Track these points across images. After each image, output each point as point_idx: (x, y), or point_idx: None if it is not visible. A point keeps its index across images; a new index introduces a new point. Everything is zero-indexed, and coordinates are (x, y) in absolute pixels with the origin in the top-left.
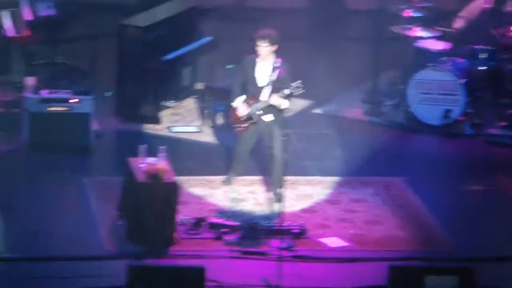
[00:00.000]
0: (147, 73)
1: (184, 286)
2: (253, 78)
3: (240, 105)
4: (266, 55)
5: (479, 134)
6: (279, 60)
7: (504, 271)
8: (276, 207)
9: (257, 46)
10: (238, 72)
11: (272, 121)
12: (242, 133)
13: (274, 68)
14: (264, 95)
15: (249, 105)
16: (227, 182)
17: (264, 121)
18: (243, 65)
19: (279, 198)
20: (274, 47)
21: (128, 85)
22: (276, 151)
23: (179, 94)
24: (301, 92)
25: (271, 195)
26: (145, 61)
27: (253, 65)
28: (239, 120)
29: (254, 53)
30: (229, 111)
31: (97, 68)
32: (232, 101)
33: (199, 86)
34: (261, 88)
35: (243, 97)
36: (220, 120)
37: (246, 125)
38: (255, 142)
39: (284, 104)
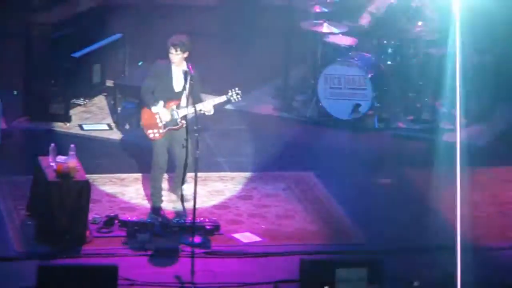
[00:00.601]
0: (56, 70)
1: (97, 285)
2: (169, 84)
3: (161, 111)
4: (179, 62)
5: (387, 128)
6: (189, 65)
7: (413, 262)
8: (182, 204)
9: (170, 53)
10: (149, 78)
11: (185, 126)
12: (158, 139)
13: (186, 74)
14: (184, 101)
15: (169, 111)
16: (156, 213)
17: (180, 127)
18: (156, 71)
19: (183, 196)
20: (186, 54)
21: (37, 83)
22: (189, 154)
23: (90, 92)
24: (239, 98)
25: (177, 193)
26: (54, 58)
27: (167, 71)
28: (156, 125)
29: (165, 56)
30: (142, 117)
31: (3, 67)
32: (149, 108)
33: (110, 83)
34: (178, 93)
35: (161, 102)
36: (130, 118)
37: (164, 130)
38: (167, 155)
39: (212, 111)
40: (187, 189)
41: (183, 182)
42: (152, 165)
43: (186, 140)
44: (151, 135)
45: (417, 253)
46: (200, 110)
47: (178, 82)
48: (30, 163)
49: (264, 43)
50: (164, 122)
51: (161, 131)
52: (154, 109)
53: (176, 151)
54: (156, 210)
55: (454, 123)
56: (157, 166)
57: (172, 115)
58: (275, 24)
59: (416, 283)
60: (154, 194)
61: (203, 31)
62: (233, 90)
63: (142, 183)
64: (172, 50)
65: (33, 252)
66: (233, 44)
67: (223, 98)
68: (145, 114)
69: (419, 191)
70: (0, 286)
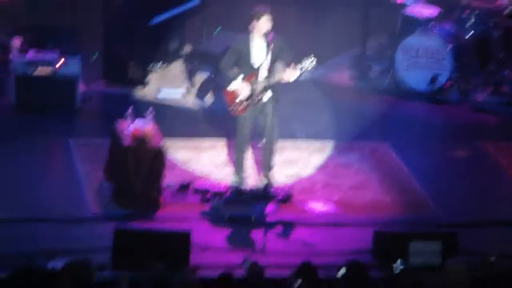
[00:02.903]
0: (135, 35)
1: (170, 250)
2: (250, 58)
3: (240, 86)
4: (268, 31)
5: (465, 100)
6: (272, 35)
7: (488, 235)
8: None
9: (262, 22)
10: (228, 53)
11: (269, 99)
12: (240, 114)
13: (269, 44)
14: (263, 74)
15: (250, 85)
16: (238, 178)
17: (262, 101)
18: (237, 47)
19: (269, 181)
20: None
21: (115, 47)
22: (273, 131)
23: (167, 57)
24: (313, 67)
25: (261, 178)
26: (132, 23)
27: (247, 45)
28: (236, 101)
29: (242, 21)
30: (223, 93)
31: (83, 30)
32: (229, 83)
33: (187, 49)
34: (259, 67)
35: (240, 78)
36: (207, 84)
37: (245, 105)
38: (251, 126)
39: (295, 74)
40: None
41: (269, 167)
42: (236, 136)
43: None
44: (233, 111)
45: (493, 226)
46: (280, 80)
47: (258, 55)
48: (107, 126)
49: (342, 11)
50: (243, 97)
51: (241, 106)
52: (233, 84)
53: (261, 123)
54: (238, 178)
55: None
56: (241, 137)
57: (251, 89)
58: None
59: (493, 258)
60: (237, 163)
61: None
62: (306, 58)
63: (217, 150)
64: (266, 18)
65: (109, 214)
66: (310, 12)
67: (300, 66)
68: (226, 92)
69: (496, 164)
70: (76, 246)
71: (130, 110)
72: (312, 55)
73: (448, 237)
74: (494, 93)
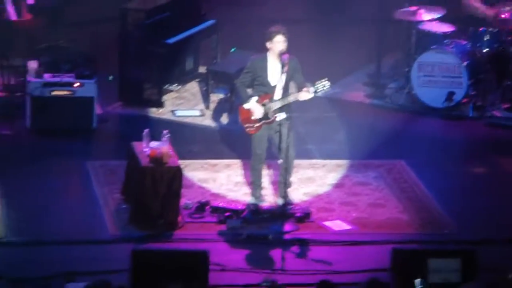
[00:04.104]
0: (150, 56)
1: (188, 270)
2: (265, 78)
3: (254, 106)
4: (283, 51)
5: (481, 117)
6: (286, 55)
7: (507, 253)
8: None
9: (275, 42)
10: (245, 74)
11: (283, 119)
12: (254, 132)
13: (284, 65)
14: (278, 94)
15: (263, 105)
16: (256, 197)
17: (276, 120)
18: (253, 67)
19: (288, 199)
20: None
21: (131, 69)
22: (290, 150)
23: (182, 78)
24: (327, 90)
25: (278, 197)
26: (148, 44)
27: (264, 65)
28: (251, 120)
29: (257, 42)
30: (239, 112)
31: (99, 52)
32: (243, 103)
33: (202, 69)
34: (274, 87)
35: (255, 97)
36: (223, 104)
37: (259, 124)
38: (267, 144)
39: (309, 97)
40: (289, 195)
41: (286, 184)
42: (252, 156)
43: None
44: (247, 129)
45: (511, 244)
46: (294, 100)
47: (273, 75)
48: (124, 148)
49: (357, 29)
50: (258, 117)
51: (256, 125)
52: (246, 105)
53: (276, 142)
54: (256, 198)
55: None
56: (256, 157)
57: (265, 109)
58: (368, 10)
59: (511, 275)
60: (254, 182)
61: (295, 19)
62: (320, 81)
63: (233, 169)
64: (280, 38)
65: (127, 236)
66: (325, 31)
67: (313, 89)
68: (241, 109)
69: None
70: (94, 268)
71: (146, 132)
72: (326, 78)
73: (467, 254)
74: (510, 109)
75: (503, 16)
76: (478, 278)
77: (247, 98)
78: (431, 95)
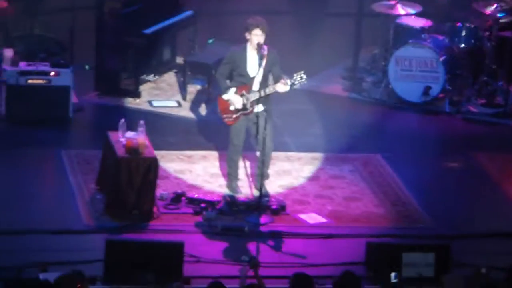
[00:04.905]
0: (127, 46)
1: (163, 261)
2: (244, 69)
3: (233, 97)
4: (261, 43)
5: (458, 112)
6: (265, 47)
7: (480, 247)
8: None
9: (253, 35)
10: (224, 65)
11: (261, 110)
12: (233, 123)
13: (262, 57)
14: (256, 85)
15: (242, 96)
16: (231, 189)
17: (254, 111)
18: (232, 58)
19: (264, 191)
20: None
21: (108, 59)
22: (267, 142)
23: (160, 68)
24: (304, 82)
25: (255, 189)
26: (125, 34)
27: (243, 56)
28: (229, 111)
29: (235, 33)
30: (217, 102)
31: (75, 41)
32: (222, 94)
33: (180, 60)
34: (253, 78)
35: (233, 89)
36: (200, 95)
37: (237, 115)
38: (245, 136)
39: (286, 89)
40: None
41: (263, 176)
42: (229, 146)
43: (264, 128)
44: (226, 120)
45: (484, 239)
46: (272, 92)
47: (252, 66)
48: (100, 138)
49: (335, 23)
50: (235, 108)
51: (234, 116)
52: (225, 96)
53: (254, 134)
54: (232, 189)
55: None
56: (233, 147)
57: (244, 100)
58: (346, 4)
59: (483, 270)
60: (230, 173)
61: (274, 10)
62: (297, 74)
63: (210, 161)
64: (258, 31)
65: (102, 226)
66: (303, 24)
67: (290, 81)
68: (220, 99)
69: (488, 176)
70: (68, 258)
71: (122, 122)
72: (303, 71)
73: (440, 249)
74: (486, 105)
75: (487, 11)
76: (452, 272)
77: (226, 89)
78: (408, 89)
